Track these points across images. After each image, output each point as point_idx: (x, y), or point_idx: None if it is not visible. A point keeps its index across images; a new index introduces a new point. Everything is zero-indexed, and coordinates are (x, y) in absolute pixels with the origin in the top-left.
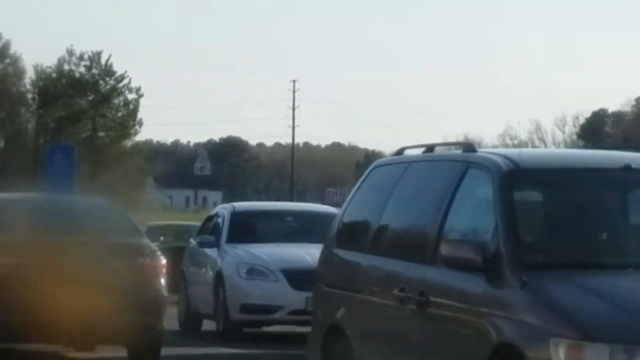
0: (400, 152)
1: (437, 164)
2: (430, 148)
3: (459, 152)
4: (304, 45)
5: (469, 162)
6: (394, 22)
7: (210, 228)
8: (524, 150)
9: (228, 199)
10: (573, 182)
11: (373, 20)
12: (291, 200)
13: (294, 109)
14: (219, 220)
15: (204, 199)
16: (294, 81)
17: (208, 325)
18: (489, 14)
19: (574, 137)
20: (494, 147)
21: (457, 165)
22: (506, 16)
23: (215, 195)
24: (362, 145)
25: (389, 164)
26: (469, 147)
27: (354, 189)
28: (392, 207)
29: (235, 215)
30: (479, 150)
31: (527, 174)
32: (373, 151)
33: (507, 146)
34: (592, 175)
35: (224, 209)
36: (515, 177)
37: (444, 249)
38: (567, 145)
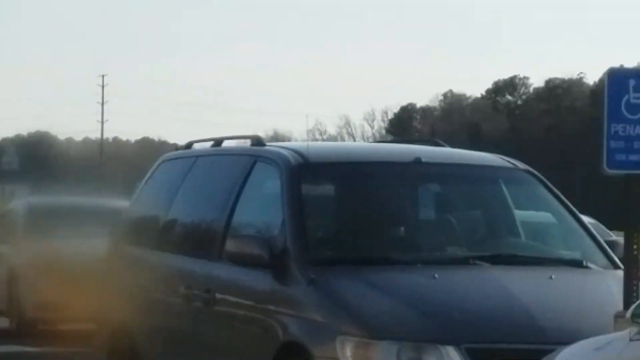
0: (188, 145)
1: (225, 158)
2: (218, 142)
3: (247, 146)
4: (113, 39)
5: (257, 156)
6: (204, 18)
7: (6, 223)
8: (312, 143)
9: (36, 194)
10: (362, 176)
11: (183, 14)
12: (99, 195)
13: (102, 104)
14: (15, 215)
15: (12, 195)
16: (103, 76)
17: (2, 322)
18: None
19: (383, 131)
20: (303, 141)
21: (244, 159)
22: (319, 15)
23: (22, 190)
24: (171, 140)
25: (177, 158)
26: (257, 140)
27: (141, 184)
28: (179, 202)
29: (31, 211)
30: (267, 144)
31: (315, 168)
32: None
33: (315, 141)
34: (382, 169)
35: (19, 204)
36: (303, 171)
37: (230, 245)
38: (375, 140)
